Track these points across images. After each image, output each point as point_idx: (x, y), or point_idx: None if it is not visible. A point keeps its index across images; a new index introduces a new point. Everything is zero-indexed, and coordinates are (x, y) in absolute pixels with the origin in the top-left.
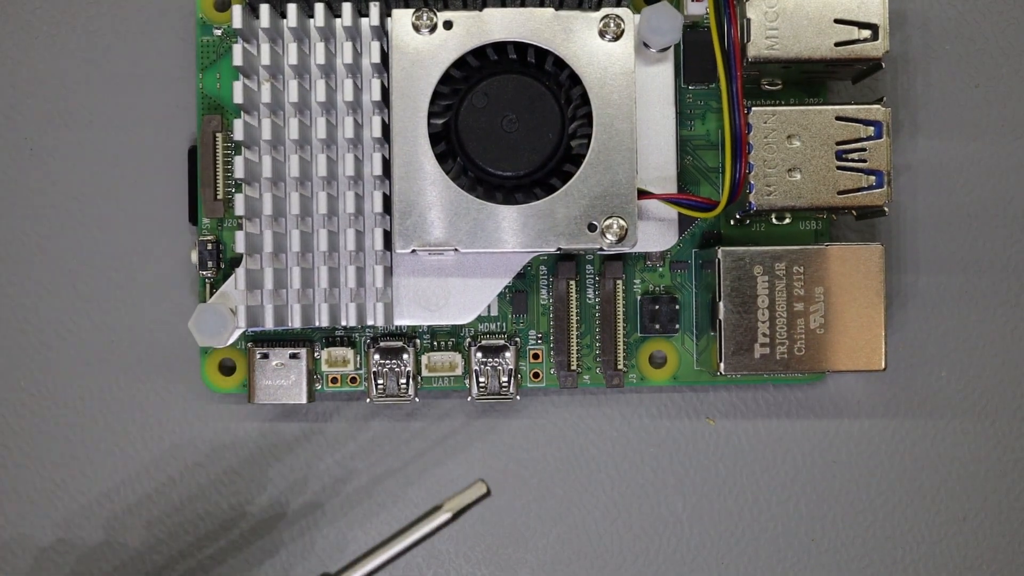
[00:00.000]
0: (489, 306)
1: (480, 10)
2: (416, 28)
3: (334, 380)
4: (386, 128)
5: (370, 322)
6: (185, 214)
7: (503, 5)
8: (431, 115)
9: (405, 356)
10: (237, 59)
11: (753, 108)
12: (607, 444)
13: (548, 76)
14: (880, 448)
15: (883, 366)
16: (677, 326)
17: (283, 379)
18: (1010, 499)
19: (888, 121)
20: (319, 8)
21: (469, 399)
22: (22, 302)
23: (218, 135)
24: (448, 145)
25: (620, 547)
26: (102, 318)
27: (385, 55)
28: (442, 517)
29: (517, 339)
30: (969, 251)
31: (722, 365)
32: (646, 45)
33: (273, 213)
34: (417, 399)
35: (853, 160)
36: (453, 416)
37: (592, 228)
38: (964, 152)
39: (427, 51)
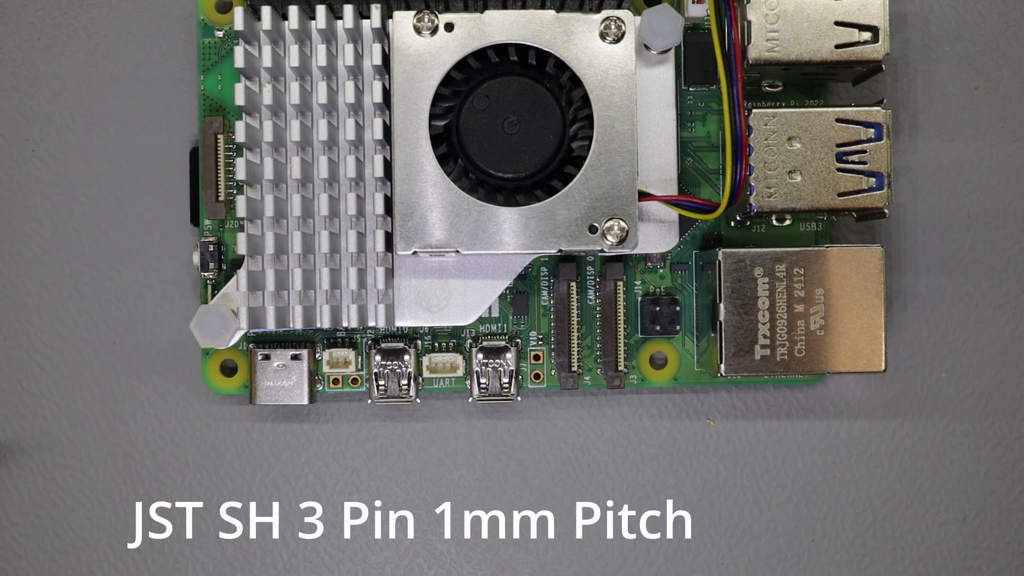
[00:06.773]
0: (490, 307)
1: (481, 12)
2: (417, 30)
3: (335, 381)
4: (387, 130)
5: (371, 323)
6: (187, 216)
7: (504, 7)
8: (432, 117)
9: (406, 357)
10: (239, 61)
11: (754, 110)
12: (608, 445)
13: (549, 78)
14: (880, 448)
15: (883, 367)
16: (678, 327)
17: (284, 380)
18: (1010, 499)
19: (888, 123)
20: (320, 10)
21: (470, 400)
22: (23, 303)
23: (220, 137)
24: (449, 147)
25: (620, 547)
26: (103, 319)
27: (386, 57)
28: None
29: (518, 340)
30: (969, 252)
31: (722, 366)
32: (647, 47)
33: (275, 215)
34: (418, 400)
35: (853, 162)
36: (454, 417)
37: (593, 230)
38: (964, 154)
39: (428, 53)
